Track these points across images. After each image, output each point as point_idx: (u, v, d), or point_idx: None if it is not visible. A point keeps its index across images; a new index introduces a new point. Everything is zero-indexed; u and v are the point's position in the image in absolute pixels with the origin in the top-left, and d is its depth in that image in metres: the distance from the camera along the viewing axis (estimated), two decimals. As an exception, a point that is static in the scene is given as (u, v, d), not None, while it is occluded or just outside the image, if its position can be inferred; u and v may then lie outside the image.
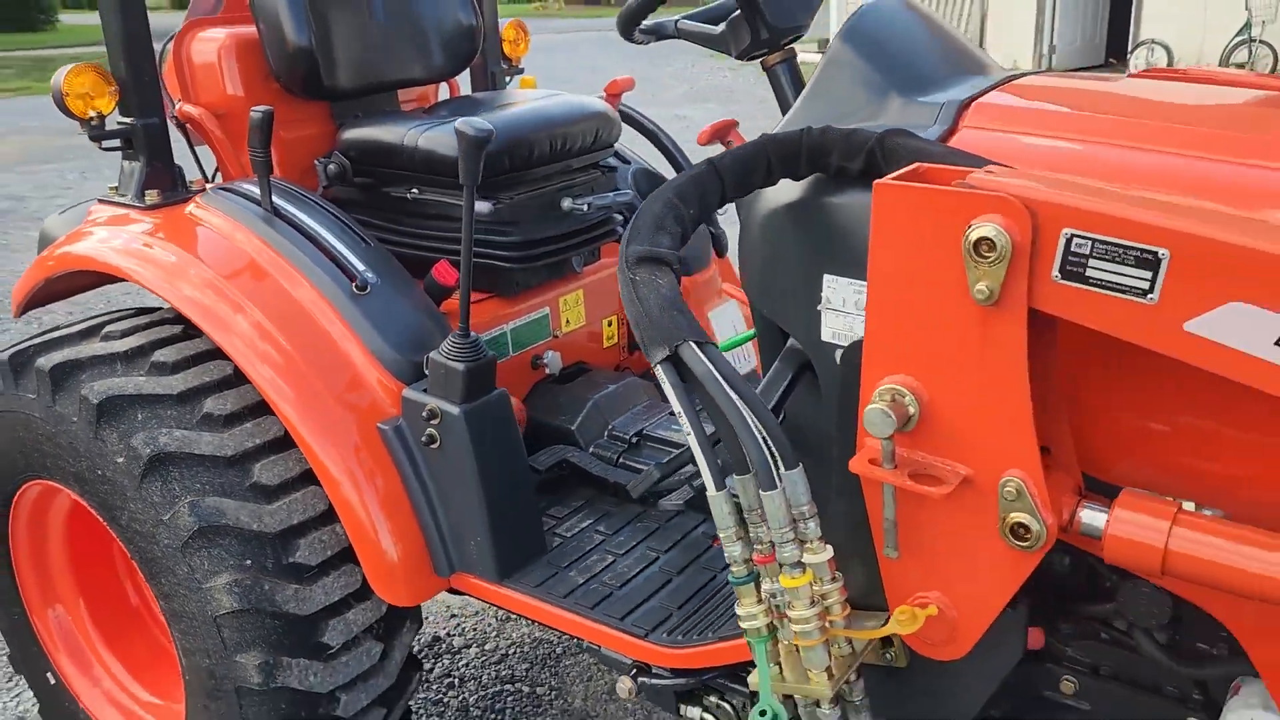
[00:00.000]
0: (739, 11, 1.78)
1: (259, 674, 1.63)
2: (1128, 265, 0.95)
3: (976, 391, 1.06)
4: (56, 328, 1.88)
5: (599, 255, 2.20)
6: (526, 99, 2.12)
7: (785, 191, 1.32)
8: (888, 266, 1.08)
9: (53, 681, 2.08)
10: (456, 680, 2.52)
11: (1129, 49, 11.68)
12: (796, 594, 1.11)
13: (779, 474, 1.10)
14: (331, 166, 1.95)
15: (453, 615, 2.77)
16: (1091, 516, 1.06)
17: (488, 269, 1.92)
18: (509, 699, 2.44)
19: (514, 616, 2.63)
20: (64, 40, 30.10)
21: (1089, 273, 0.97)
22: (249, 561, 1.62)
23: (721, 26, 1.81)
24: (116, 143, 1.89)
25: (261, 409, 1.69)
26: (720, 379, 1.11)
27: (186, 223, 1.84)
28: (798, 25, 1.82)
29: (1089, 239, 0.97)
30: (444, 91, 2.49)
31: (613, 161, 2.29)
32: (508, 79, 2.60)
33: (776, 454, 1.10)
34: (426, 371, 1.66)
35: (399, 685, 1.85)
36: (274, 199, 1.79)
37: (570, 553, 1.75)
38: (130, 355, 1.74)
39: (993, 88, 1.38)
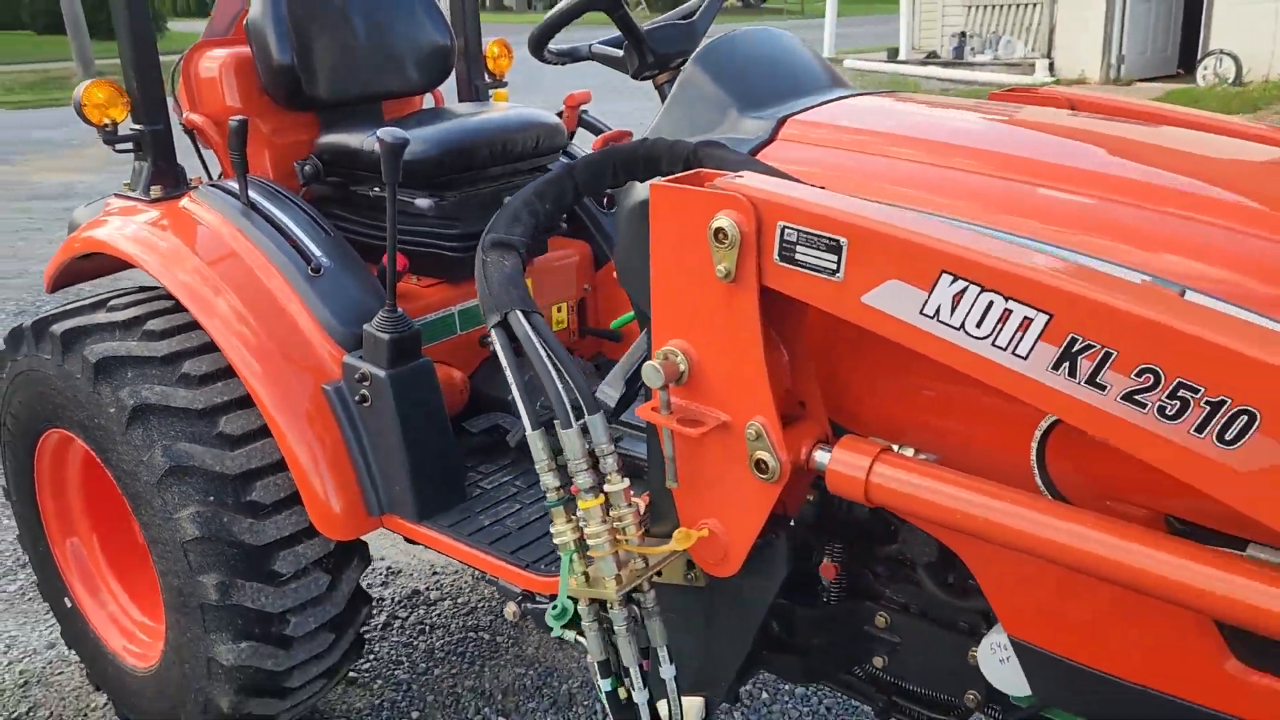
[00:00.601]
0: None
1: (217, 592, 1.94)
2: (822, 250, 1.19)
3: (725, 353, 1.31)
4: (73, 300, 2.23)
5: (546, 248, 2.47)
6: (483, 111, 2.41)
7: (639, 190, 1.58)
8: (663, 250, 1.33)
9: (69, 605, 2.44)
10: (427, 627, 2.82)
11: (1198, 59, 11.54)
12: (590, 514, 1.37)
13: (577, 418, 1.36)
14: (307, 168, 2.26)
15: (434, 573, 3.07)
16: (821, 456, 1.29)
17: (436, 258, 2.21)
18: (471, 645, 2.73)
19: (487, 575, 2.92)
20: (173, 47, 31.36)
21: (798, 256, 1.21)
22: (211, 498, 1.94)
23: (621, 52, 2.06)
24: (129, 145, 2.24)
25: (231, 372, 2.00)
26: (536, 341, 1.39)
27: (181, 214, 2.17)
28: (681, 50, 2.07)
29: (796, 229, 1.21)
30: (429, 101, 2.80)
31: (562, 164, 2.55)
32: (490, 92, 2.90)
33: (580, 401, 1.37)
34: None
35: (347, 615, 2.14)
36: (251, 195, 2.11)
37: (486, 501, 2.03)
38: (127, 324, 2.07)
39: (815, 106, 1.62)
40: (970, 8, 14.34)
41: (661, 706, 1.59)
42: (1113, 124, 1.64)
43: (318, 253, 2.06)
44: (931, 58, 14.63)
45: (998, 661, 1.41)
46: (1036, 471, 1.24)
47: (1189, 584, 1.03)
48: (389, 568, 3.10)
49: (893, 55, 15.08)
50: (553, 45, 2.11)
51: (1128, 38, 12.15)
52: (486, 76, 2.88)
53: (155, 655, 2.22)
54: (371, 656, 2.71)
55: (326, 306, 2.00)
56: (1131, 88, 11.73)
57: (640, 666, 1.50)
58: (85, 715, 2.52)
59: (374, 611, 2.89)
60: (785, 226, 1.22)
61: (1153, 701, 1.25)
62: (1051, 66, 12.60)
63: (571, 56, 2.17)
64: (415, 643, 2.76)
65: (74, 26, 19.03)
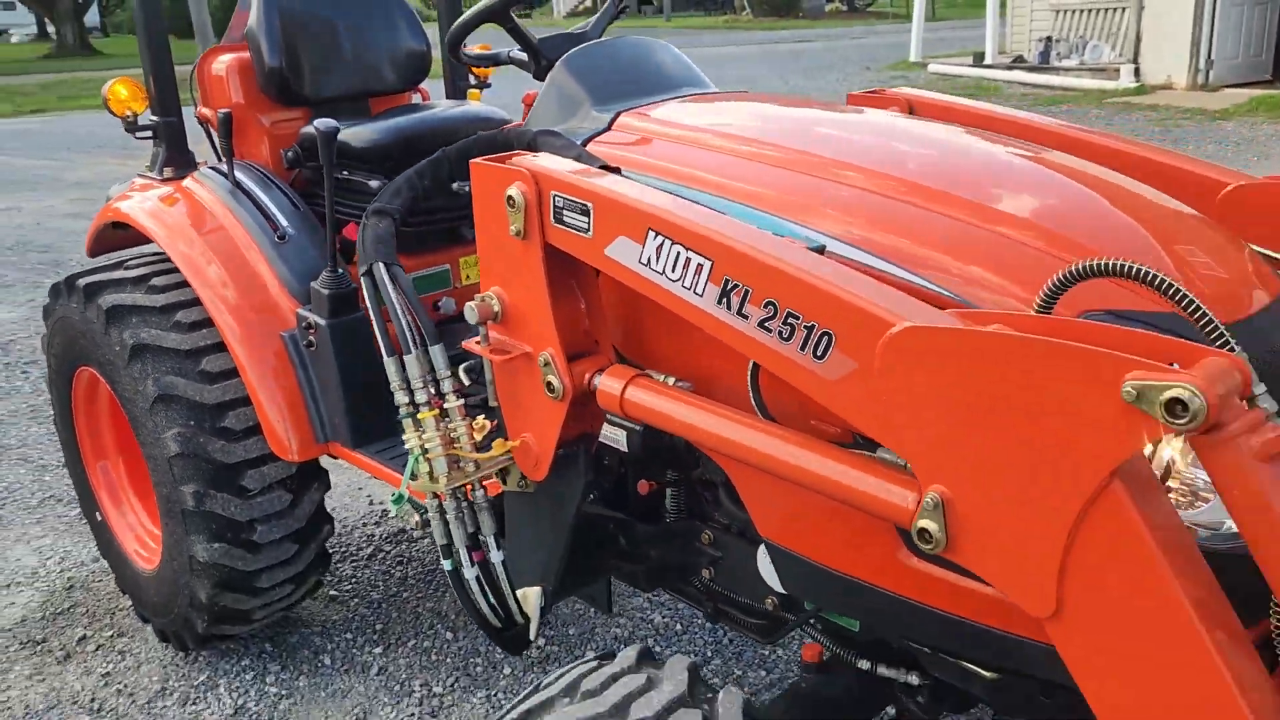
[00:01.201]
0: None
1: (194, 500, 2.37)
2: (578, 214, 1.53)
3: (523, 297, 1.65)
4: (98, 261, 2.70)
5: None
6: (441, 107, 2.80)
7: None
8: (480, 214, 1.69)
9: (100, 519, 2.92)
10: (405, 560, 3.23)
11: (1289, 65, 11.26)
12: (426, 424, 1.73)
13: (418, 348, 1.73)
14: (289, 154, 2.67)
15: (421, 516, 3.48)
16: (596, 380, 1.63)
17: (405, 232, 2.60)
18: (439, 577, 3.12)
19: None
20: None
21: (565, 218, 1.56)
22: (192, 422, 2.37)
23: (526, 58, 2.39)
24: (148, 134, 2.70)
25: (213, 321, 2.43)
26: (390, 287, 1.76)
27: (185, 192, 2.62)
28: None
29: (563, 197, 1.55)
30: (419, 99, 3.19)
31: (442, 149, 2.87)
32: (468, 92, 3.28)
33: (420, 335, 1.74)
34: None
35: (309, 530, 2.55)
36: (237, 175, 2.54)
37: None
38: (135, 280, 2.52)
39: (650, 104, 1.95)
40: (1058, 12, 14.19)
41: (529, 600, 1.95)
42: (901, 123, 1.93)
43: (285, 224, 2.47)
44: (1018, 62, 14.53)
45: (768, 563, 1.72)
46: (751, 395, 1.55)
47: (831, 479, 1.33)
48: (383, 510, 3.52)
49: (978, 60, 15.01)
50: (474, 51, 2.47)
51: (1217, 43, 11.89)
52: (471, 78, 3.26)
53: (157, 558, 2.67)
54: (353, 580, 3.13)
55: (287, 267, 2.42)
56: (1218, 94, 11.49)
57: (478, 554, 1.86)
58: (113, 614, 3.00)
59: (363, 545, 3.32)
60: (556, 194, 1.56)
61: (856, 588, 1.54)
62: (1137, 72, 12.41)
63: (491, 60, 2.53)
64: (392, 572, 3.17)
65: (201, 33, 20.26)
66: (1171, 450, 1.30)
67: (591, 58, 2.05)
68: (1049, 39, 14.13)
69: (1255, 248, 1.73)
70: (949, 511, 1.16)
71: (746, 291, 1.34)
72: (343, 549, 3.29)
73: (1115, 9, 13.30)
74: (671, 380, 1.59)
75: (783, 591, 1.72)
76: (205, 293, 2.39)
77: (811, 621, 1.81)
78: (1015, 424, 1.08)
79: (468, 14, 2.21)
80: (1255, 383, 1.01)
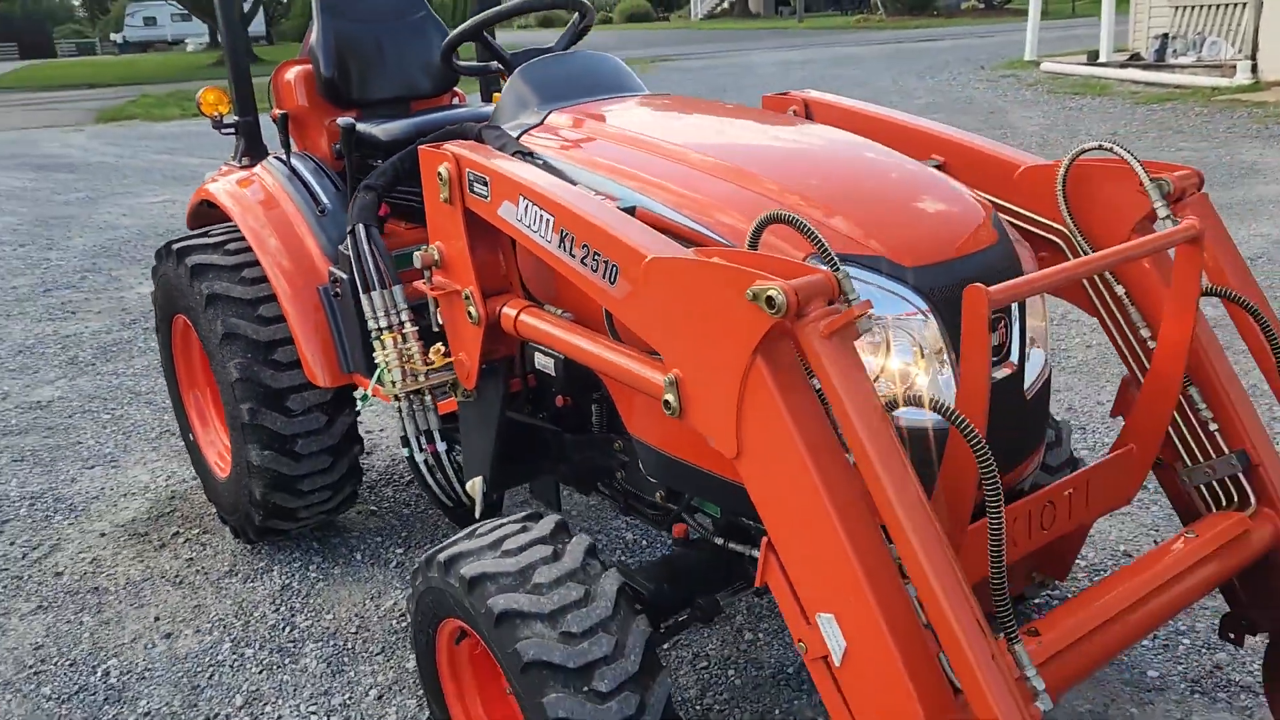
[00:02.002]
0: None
1: (249, 415, 3.03)
2: (482, 185, 2.09)
3: (452, 247, 2.23)
4: (194, 231, 3.40)
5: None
6: (464, 109, 3.40)
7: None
8: (425, 187, 2.27)
9: (191, 439, 3.65)
10: (436, 487, 3.85)
11: None
12: (387, 344, 2.32)
13: (382, 288, 2.33)
14: (337, 146, 3.32)
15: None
16: (501, 310, 2.18)
17: (408, 208, 3.20)
18: (461, 500, 3.72)
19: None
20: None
21: (474, 189, 2.12)
22: (249, 355, 3.02)
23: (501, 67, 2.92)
24: (231, 130, 3.39)
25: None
26: (365, 243, 2.36)
27: (255, 177, 3.29)
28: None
29: (473, 173, 2.11)
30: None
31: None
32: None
33: (383, 277, 2.33)
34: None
35: (343, 446, 3.18)
36: (293, 163, 3.20)
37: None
38: (214, 245, 3.20)
39: (577, 105, 2.49)
40: (1177, 9, 13.94)
41: (472, 487, 2.53)
42: (749, 119, 2.42)
43: (326, 201, 3.11)
44: (1134, 60, 14.33)
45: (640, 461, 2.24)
46: (606, 321, 2.06)
47: (626, 369, 1.86)
48: (427, 449, 4.15)
49: (1093, 58, 14.85)
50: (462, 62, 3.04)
51: (1339, 39, 11.55)
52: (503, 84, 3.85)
53: (229, 468, 3.36)
54: (391, 500, 3.77)
55: (325, 235, 3.05)
56: (1337, 91, 11.19)
57: (430, 446, 2.46)
58: (201, 518, 3.72)
59: (406, 473, 3.95)
60: (469, 171, 2.13)
61: (683, 468, 2.05)
62: (1254, 69, 12.13)
63: (482, 71, 3.08)
64: (424, 495, 3.79)
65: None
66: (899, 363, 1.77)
67: (542, 67, 2.60)
68: (1165, 36, 13.90)
69: (1028, 212, 2.18)
70: (680, 386, 1.67)
71: (572, 238, 1.87)
72: (388, 475, 3.94)
73: (1234, 4, 13.03)
74: (559, 312, 2.14)
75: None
76: (263, 255, 3.05)
77: (692, 508, 2.31)
78: (705, 320, 1.58)
79: (454, 32, 2.78)
80: (849, 293, 1.49)
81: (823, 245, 1.54)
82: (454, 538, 2.06)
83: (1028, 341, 1.92)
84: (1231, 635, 2.12)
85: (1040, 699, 1.44)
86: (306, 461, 3.12)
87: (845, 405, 1.45)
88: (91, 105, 21.79)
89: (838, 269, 1.52)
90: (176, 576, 3.33)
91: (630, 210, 1.94)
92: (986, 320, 1.53)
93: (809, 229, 1.56)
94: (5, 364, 5.59)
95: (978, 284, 1.53)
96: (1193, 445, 2.06)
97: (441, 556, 2.00)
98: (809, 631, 1.56)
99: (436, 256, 2.26)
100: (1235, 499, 2.02)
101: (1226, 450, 2.01)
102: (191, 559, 3.44)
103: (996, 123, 11.45)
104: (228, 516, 3.45)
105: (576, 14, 2.88)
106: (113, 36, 71.97)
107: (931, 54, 20.49)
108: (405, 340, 2.33)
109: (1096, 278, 2.15)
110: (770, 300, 1.43)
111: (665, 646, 2.76)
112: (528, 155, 2.26)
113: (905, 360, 1.79)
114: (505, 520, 2.09)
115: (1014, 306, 1.88)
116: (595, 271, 1.82)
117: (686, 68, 21.98)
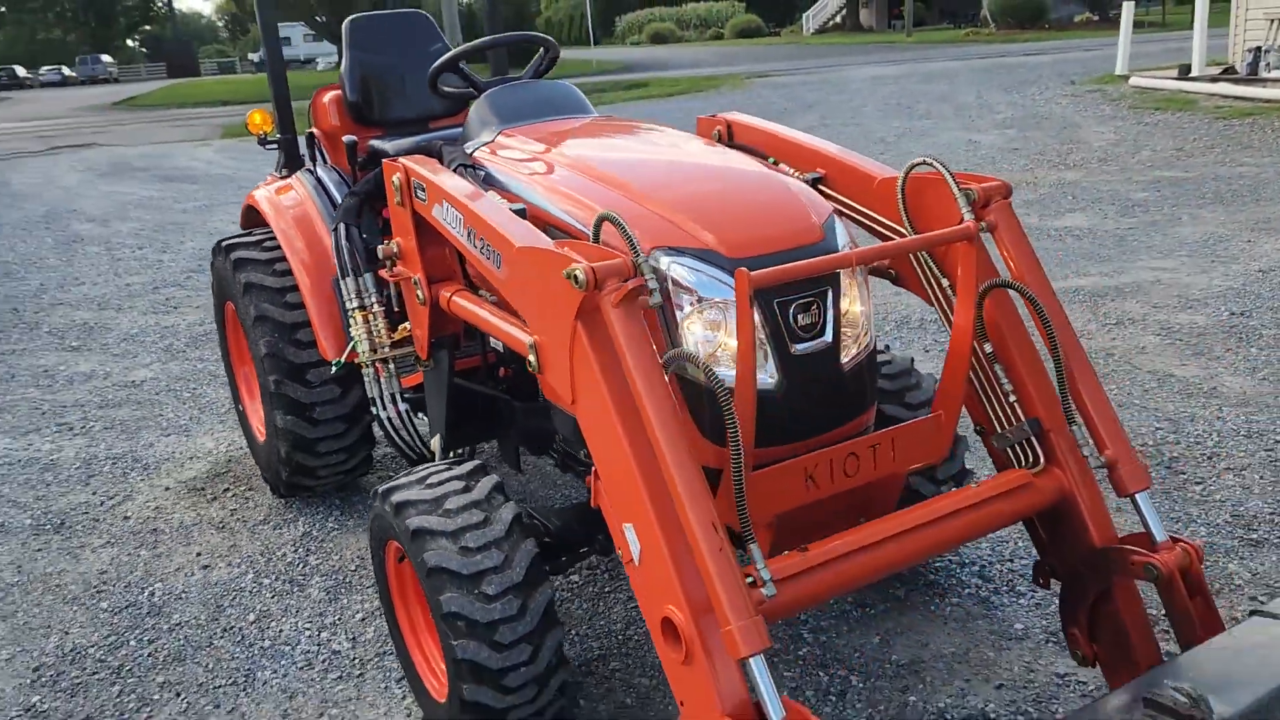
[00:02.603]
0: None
1: (274, 386, 3.60)
2: (421, 191, 2.60)
3: (406, 242, 2.75)
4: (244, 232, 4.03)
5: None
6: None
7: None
8: (388, 192, 2.79)
9: (241, 410, 4.27)
10: (448, 458, 4.38)
11: None
12: (355, 319, 2.86)
13: (354, 275, 2.86)
14: (359, 159, 3.88)
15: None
16: (440, 294, 2.68)
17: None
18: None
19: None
20: (560, 72, 35.41)
21: (418, 194, 2.63)
22: (276, 335, 3.60)
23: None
24: (274, 145, 4.00)
25: (295, 270, 3.68)
26: (343, 239, 2.90)
27: (290, 186, 3.88)
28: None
29: (416, 182, 2.63)
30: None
31: None
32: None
33: (356, 267, 2.87)
34: None
35: (354, 414, 3.72)
36: (319, 174, 3.78)
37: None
38: (254, 243, 3.80)
39: (524, 126, 2.97)
40: (1272, 21, 13.67)
41: (433, 443, 3.04)
42: (645, 136, 2.86)
43: (343, 206, 3.68)
44: (1228, 73, 14.08)
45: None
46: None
47: (510, 334, 2.34)
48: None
49: (1184, 72, 14.64)
50: (449, 89, 3.53)
51: None
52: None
53: (264, 432, 3.96)
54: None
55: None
56: None
57: (397, 407, 2.98)
58: (250, 479, 4.34)
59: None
60: (414, 180, 2.64)
61: (569, 420, 2.51)
62: (1349, 82, 11.87)
63: (462, 95, 3.59)
64: (436, 464, 4.33)
65: (450, 32, 22.86)
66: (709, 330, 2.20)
67: (504, 94, 3.09)
68: (1259, 49, 13.64)
69: (881, 217, 2.58)
70: (539, 349, 2.14)
71: (473, 231, 2.36)
72: (409, 449, 4.49)
73: (1331, 17, 12.74)
74: (490, 296, 2.64)
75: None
76: (290, 252, 3.63)
77: None
78: (547, 295, 2.05)
79: (435, 64, 3.29)
80: (645, 275, 1.93)
81: (631, 240, 1.98)
82: (396, 477, 2.56)
83: (843, 322, 2.31)
84: (1040, 580, 2.47)
85: (766, 587, 1.86)
86: (323, 426, 3.67)
87: (628, 360, 1.90)
88: (222, 121, 23.39)
89: (638, 255, 1.97)
90: (220, 523, 3.94)
91: (520, 211, 2.41)
92: (748, 298, 1.95)
93: (624, 226, 2.00)
94: (111, 349, 6.39)
95: (742, 269, 1.96)
96: (1000, 415, 2.43)
97: (383, 489, 2.51)
98: (620, 539, 2.01)
99: (395, 250, 2.79)
100: (1032, 459, 2.37)
101: (1024, 418, 2.37)
102: (235, 509, 4.05)
103: (1067, 138, 11.50)
104: (265, 474, 4.05)
105: (542, 49, 3.37)
106: (250, 56, 76.15)
107: (1028, 68, 20.34)
108: (375, 319, 2.86)
109: (931, 272, 2.53)
110: (576, 278, 1.89)
111: (572, 573, 3.24)
112: (471, 168, 2.76)
113: (729, 333, 2.22)
114: (438, 464, 2.58)
115: (828, 292, 2.28)
116: (488, 259, 2.31)
117: (779, 83, 22.31)
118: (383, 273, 2.84)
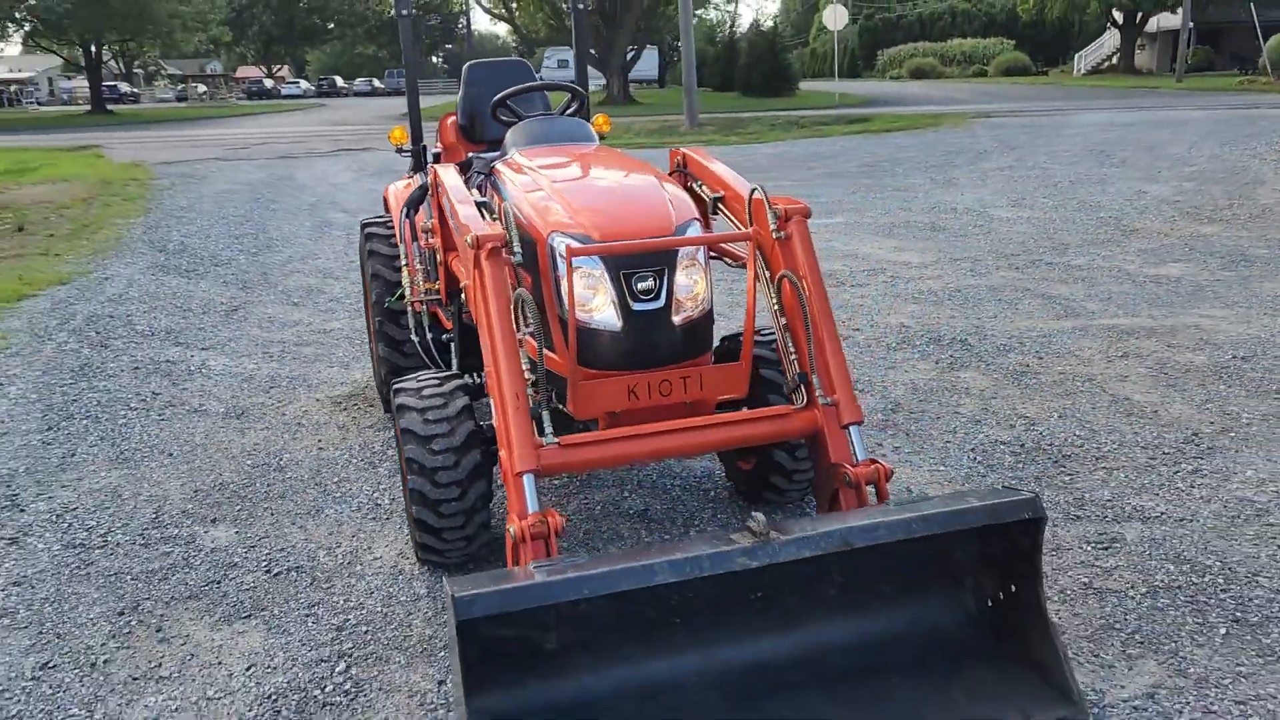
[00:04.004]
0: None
1: (378, 325, 5.03)
2: (438, 187, 3.90)
3: (434, 224, 4.07)
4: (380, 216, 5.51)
5: None
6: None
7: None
8: (431, 190, 4.11)
9: (370, 347, 5.76)
10: (516, 401, 5.69)
11: None
12: (404, 274, 4.21)
13: (403, 244, 4.23)
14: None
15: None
16: (450, 259, 3.97)
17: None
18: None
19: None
20: (801, 104, 36.65)
21: (439, 189, 3.93)
22: (382, 288, 5.02)
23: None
24: (408, 154, 5.46)
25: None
26: (404, 217, 4.27)
27: (411, 182, 5.32)
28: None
29: (439, 183, 3.93)
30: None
31: None
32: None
33: (408, 238, 4.23)
34: None
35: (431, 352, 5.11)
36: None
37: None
38: (381, 222, 5.27)
39: (526, 150, 4.20)
40: None
41: (454, 364, 4.34)
42: (617, 165, 4.00)
43: (440, 200, 5.07)
44: None
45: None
46: (488, 264, 3.80)
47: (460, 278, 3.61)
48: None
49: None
50: (505, 118, 4.78)
51: None
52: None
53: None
54: (485, 404, 5.65)
55: (432, 220, 5.01)
56: None
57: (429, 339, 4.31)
58: (375, 399, 5.81)
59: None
60: (438, 179, 3.95)
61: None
62: None
63: (510, 124, 4.83)
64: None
65: (688, 90, 24.51)
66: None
67: (530, 124, 4.35)
68: None
69: (743, 227, 3.63)
70: (466, 290, 3.40)
71: (451, 214, 3.64)
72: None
73: None
74: (476, 260, 3.91)
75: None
76: (398, 229, 5.06)
77: None
78: (466, 253, 3.30)
79: (495, 97, 4.57)
80: (513, 243, 3.14)
81: (513, 223, 3.20)
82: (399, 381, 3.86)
83: (677, 292, 3.38)
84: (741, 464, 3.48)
85: (546, 437, 3.00)
86: (412, 359, 5.07)
87: (488, 294, 3.11)
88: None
89: (510, 232, 3.17)
90: (342, 424, 5.43)
91: (482, 205, 3.65)
92: (569, 265, 3.11)
93: (509, 217, 3.22)
94: (319, 306, 8.19)
95: (572, 243, 3.13)
96: (787, 369, 3.43)
97: (394, 383, 3.82)
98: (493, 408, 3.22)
99: (428, 226, 4.11)
100: (801, 400, 3.36)
101: (798, 372, 3.36)
102: (355, 417, 5.53)
103: (1239, 194, 11.46)
104: (380, 391, 5.52)
105: (572, 95, 4.62)
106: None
107: (1270, 122, 19.46)
108: (418, 275, 4.20)
109: (764, 263, 3.54)
110: (468, 241, 3.13)
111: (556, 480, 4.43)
112: (488, 175, 4.04)
113: (592, 291, 3.35)
114: (435, 372, 3.87)
115: (664, 270, 3.36)
116: (457, 233, 3.57)
117: (999, 123, 22.40)
118: (422, 242, 4.17)
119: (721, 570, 2.65)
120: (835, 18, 35.41)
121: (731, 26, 67.75)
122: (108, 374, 6.44)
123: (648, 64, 66.30)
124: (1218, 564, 3.54)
